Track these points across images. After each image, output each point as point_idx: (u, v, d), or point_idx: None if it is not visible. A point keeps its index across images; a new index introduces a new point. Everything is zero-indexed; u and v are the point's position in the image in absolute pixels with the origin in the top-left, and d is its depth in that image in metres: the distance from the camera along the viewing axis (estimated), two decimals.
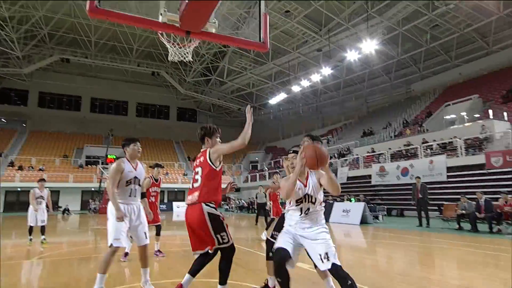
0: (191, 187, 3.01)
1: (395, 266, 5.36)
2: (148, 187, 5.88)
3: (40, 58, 30.94)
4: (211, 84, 36.98)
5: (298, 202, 2.83)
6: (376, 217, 13.93)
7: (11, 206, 27.19)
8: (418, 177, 12.06)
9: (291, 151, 3.01)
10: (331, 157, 25.65)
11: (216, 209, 2.87)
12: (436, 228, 10.60)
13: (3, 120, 36.14)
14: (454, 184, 14.66)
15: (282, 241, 2.72)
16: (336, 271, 2.49)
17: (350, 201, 15.63)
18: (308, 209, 2.84)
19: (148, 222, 5.71)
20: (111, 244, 3.43)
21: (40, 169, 28.42)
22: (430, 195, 12.35)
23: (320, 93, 36.15)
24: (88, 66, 35.84)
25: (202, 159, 3.00)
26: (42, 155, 31.35)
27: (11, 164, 28.75)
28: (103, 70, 36.91)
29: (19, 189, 26.61)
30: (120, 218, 3.44)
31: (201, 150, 3.10)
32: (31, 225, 7.93)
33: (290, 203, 2.91)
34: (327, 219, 12.45)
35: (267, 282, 3.39)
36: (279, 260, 2.61)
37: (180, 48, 3.83)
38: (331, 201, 16.61)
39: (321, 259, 2.58)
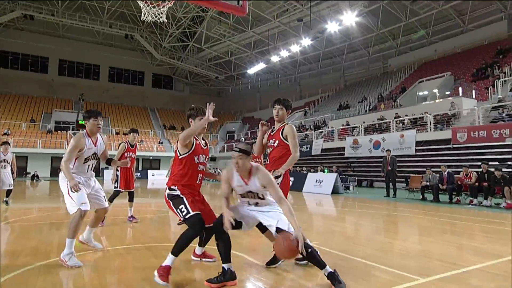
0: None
1: (361, 232, 5.66)
2: (123, 152, 5.87)
3: (1, 13, 28.46)
4: (188, 51, 35.82)
5: (243, 196, 2.98)
6: (347, 188, 14.46)
7: None
8: (389, 150, 12.51)
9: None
10: (306, 129, 26.01)
11: (175, 191, 2.97)
12: (402, 199, 11.16)
13: None
14: (422, 158, 15.33)
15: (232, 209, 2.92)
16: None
17: (324, 172, 16.05)
18: (257, 203, 2.97)
19: (122, 187, 5.91)
20: (79, 209, 3.37)
21: (5, 133, 26.98)
22: (399, 168, 12.94)
23: (299, 65, 35.95)
24: (55, 25, 33.55)
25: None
26: (7, 119, 29.73)
27: None
28: (72, 30, 34.72)
29: None
30: (75, 187, 3.28)
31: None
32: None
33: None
34: (300, 189, 12.84)
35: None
36: (216, 223, 2.88)
37: (154, 7, 3.62)
38: (304, 172, 17.03)
39: (273, 224, 2.83)
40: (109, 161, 3.94)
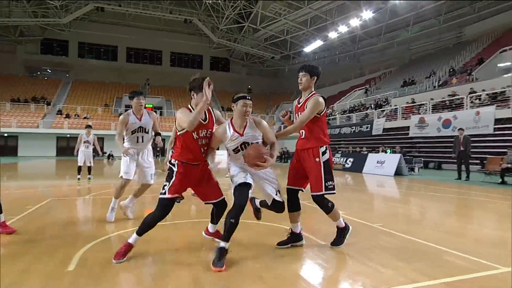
0: None
1: (428, 216, 5.30)
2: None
3: (77, 8, 31.18)
4: (244, 32, 35.78)
5: (236, 151, 2.96)
6: (412, 169, 13.61)
7: (63, 151, 29.59)
8: (461, 129, 11.37)
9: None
10: (367, 108, 24.75)
11: (174, 166, 2.91)
12: (477, 182, 10.19)
13: (48, 70, 38.01)
14: (501, 138, 13.72)
15: (243, 176, 2.92)
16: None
17: (386, 152, 15.27)
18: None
19: None
20: (121, 176, 4.33)
21: (85, 117, 30.22)
22: (473, 148, 11.75)
23: (358, 40, 33.95)
24: (122, 15, 35.76)
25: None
26: (86, 104, 33.13)
27: (59, 112, 30.67)
28: (137, 19, 36.73)
29: (68, 135, 28.69)
30: (125, 152, 4.19)
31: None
32: (80, 165, 9.23)
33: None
34: (360, 170, 12.38)
35: (291, 230, 3.37)
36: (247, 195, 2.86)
37: None
38: (365, 152, 16.37)
39: (276, 194, 3.07)
40: (156, 134, 4.62)
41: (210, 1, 29.28)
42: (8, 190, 7.71)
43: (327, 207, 3.16)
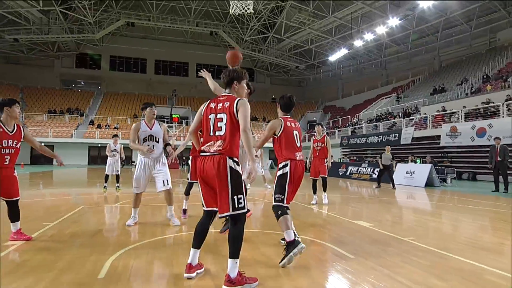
0: (211, 133, 2.65)
1: (463, 230, 5.02)
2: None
3: (109, 24, 32.74)
4: (268, 42, 36.14)
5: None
6: (444, 180, 13.03)
7: (94, 160, 30.90)
8: (498, 138, 10.75)
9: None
10: (394, 117, 24.11)
11: (238, 165, 2.61)
12: None
13: (82, 82, 39.99)
14: None
15: None
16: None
17: (415, 162, 14.73)
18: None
19: (193, 178, 5.25)
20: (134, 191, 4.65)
21: (115, 127, 31.42)
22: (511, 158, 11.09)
23: (385, 47, 33.33)
24: (151, 29, 37.18)
25: (227, 104, 2.63)
26: (116, 115, 34.47)
27: (91, 122, 32.08)
28: (165, 32, 37.96)
29: (99, 144, 29.89)
30: (148, 150, 4.42)
31: (225, 92, 2.76)
32: (107, 174, 9.37)
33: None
34: (388, 180, 11.98)
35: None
36: None
37: (241, 0, 3.77)
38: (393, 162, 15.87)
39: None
40: (165, 145, 4.78)
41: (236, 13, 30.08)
42: (45, 197, 8.08)
43: (276, 214, 3.39)
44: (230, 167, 2.52)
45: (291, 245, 3.09)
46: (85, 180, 14.53)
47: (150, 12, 32.88)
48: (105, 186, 9.37)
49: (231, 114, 2.58)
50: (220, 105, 2.66)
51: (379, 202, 8.02)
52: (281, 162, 3.55)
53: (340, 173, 17.86)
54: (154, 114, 4.66)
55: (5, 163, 3.59)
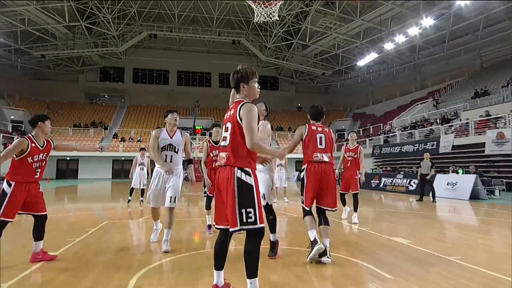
0: (220, 144, 2.73)
1: None
2: (208, 152, 5.41)
3: (132, 36, 34.10)
4: (293, 49, 36.20)
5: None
6: (491, 192, 12.38)
7: (118, 173, 31.70)
8: None
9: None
10: (431, 123, 23.31)
11: (250, 176, 2.51)
12: None
13: (106, 96, 41.70)
14: None
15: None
16: None
17: (457, 173, 14.08)
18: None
19: (212, 192, 5.46)
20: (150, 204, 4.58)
21: (138, 140, 32.20)
22: None
23: (419, 50, 32.48)
24: (173, 40, 38.30)
25: (232, 112, 2.61)
26: (139, 127, 35.38)
27: (115, 136, 33.16)
28: (187, 43, 39.02)
29: (123, 158, 30.69)
30: (169, 171, 4.25)
31: (236, 98, 2.71)
32: (134, 187, 9.48)
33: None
34: (427, 193, 11.52)
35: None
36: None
37: (266, 7, 3.80)
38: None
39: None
40: (185, 162, 4.71)
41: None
42: (69, 211, 8.35)
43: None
44: (238, 178, 2.46)
45: (313, 244, 3.64)
46: (108, 194, 14.89)
47: (172, 23, 34.01)
48: (129, 200, 9.61)
49: (234, 123, 2.53)
50: (228, 114, 2.66)
51: (418, 216, 7.69)
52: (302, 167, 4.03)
53: (373, 185, 17.45)
54: (176, 120, 4.58)
55: (36, 176, 3.74)
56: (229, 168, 2.49)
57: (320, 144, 3.95)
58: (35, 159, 3.71)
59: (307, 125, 4.09)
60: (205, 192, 5.48)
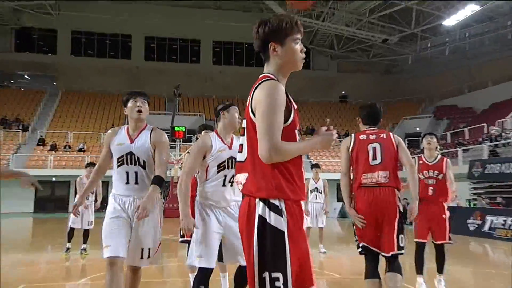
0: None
1: None
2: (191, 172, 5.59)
3: None
4: (333, 2, 35.74)
5: (221, 168, 4.29)
6: None
7: (44, 204, 30.92)
8: None
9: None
10: None
11: (280, 214, 2.44)
12: None
13: (26, 77, 41.29)
14: None
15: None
16: None
17: None
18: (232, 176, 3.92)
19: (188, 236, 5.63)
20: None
21: (80, 149, 31.54)
22: None
23: None
24: None
25: (248, 100, 2.64)
26: (81, 128, 34.87)
27: (41, 141, 32.41)
28: None
29: (53, 178, 29.80)
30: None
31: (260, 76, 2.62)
32: (73, 227, 9.75)
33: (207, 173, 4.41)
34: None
35: None
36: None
37: None
38: None
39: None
40: (156, 180, 4.48)
41: None
42: None
43: None
44: (260, 218, 2.40)
45: None
46: (27, 240, 14.87)
47: None
48: (67, 249, 9.78)
49: (248, 120, 2.55)
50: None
51: None
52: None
53: (471, 228, 17.38)
54: (140, 111, 4.40)
55: None
56: (248, 200, 2.50)
57: (374, 158, 4.37)
58: None
59: (353, 135, 4.64)
60: (182, 237, 5.86)
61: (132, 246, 4.23)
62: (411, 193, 5.70)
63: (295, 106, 2.58)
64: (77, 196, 9.16)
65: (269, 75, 2.53)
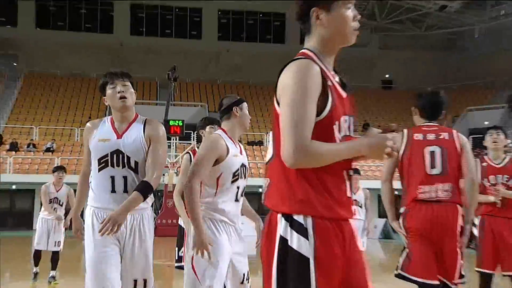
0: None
1: None
2: None
3: None
4: None
5: (236, 178, 4.41)
6: None
7: (2, 220, 29.68)
8: None
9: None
10: None
11: (306, 236, 2.33)
12: None
13: None
14: None
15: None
16: None
17: None
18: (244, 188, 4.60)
19: None
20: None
21: (48, 149, 30.76)
22: None
23: None
24: None
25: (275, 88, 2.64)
26: (49, 122, 34.27)
27: None
28: None
29: (13, 186, 29.10)
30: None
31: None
32: (38, 249, 10.24)
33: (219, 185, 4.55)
34: None
35: None
36: None
37: None
38: None
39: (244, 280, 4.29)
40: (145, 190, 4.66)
41: None
42: None
43: None
44: (282, 239, 2.34)
45: None
46: None
47: None
48: (35, 275, 10.24)
49: (273, 110, 2.56)
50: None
51: None
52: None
53: None
54: (124, 97, 4.23)
55: None
56: (271, 216, 2.54)
57: (433, 166, 4.36)
58: None
59: (406, 131, 4.63)
60: (178, 261, 6.57)
61: (124, 279, 4.25)
62: (466, 213, 5.58)
63: (342, 93, 2.43)
64: (56, 212, 10.12)
65: (307, 51, 2.40)
